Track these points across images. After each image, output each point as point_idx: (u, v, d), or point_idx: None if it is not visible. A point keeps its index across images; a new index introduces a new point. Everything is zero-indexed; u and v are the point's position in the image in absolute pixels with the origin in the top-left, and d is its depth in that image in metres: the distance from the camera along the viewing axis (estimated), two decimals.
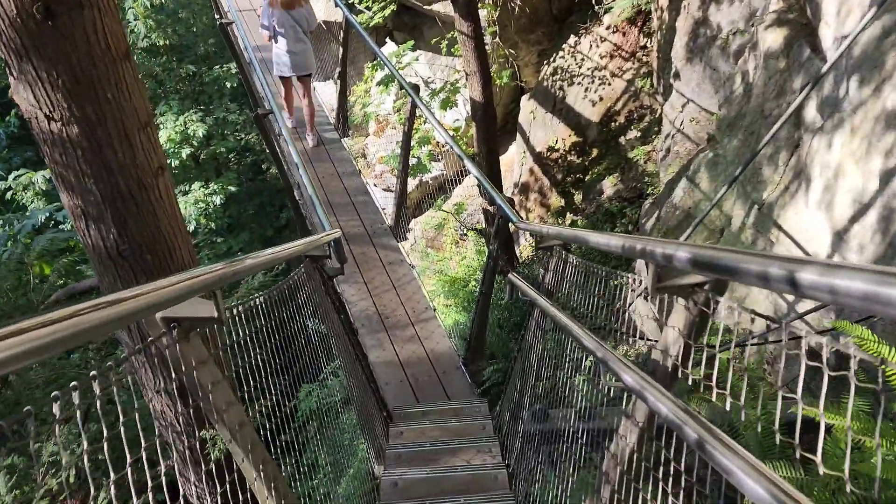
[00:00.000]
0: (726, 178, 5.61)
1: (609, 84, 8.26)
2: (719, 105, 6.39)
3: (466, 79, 6.86)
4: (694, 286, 1.39)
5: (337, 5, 6.73)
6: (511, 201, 3.80)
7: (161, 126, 12.69)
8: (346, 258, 3.31)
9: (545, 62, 9.20)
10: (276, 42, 7.18)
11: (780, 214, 4.54)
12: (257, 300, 1.91)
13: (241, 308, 1.80)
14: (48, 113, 2.18)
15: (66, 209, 2.49)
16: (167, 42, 13.31)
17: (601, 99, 8.29)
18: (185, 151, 12.63)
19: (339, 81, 7.02)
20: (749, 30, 6.05)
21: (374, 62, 8.94)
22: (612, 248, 1.88)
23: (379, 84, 8.36)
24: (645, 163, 7.91)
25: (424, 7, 9.70)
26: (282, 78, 7.50)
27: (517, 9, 8.02)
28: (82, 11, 2.10)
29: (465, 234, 10.04)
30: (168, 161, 12.70)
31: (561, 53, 8.87)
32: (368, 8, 8.96)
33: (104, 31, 2.18)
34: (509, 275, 3.41)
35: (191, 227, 12.86)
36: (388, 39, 11.69)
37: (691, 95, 6.93)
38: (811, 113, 4.32)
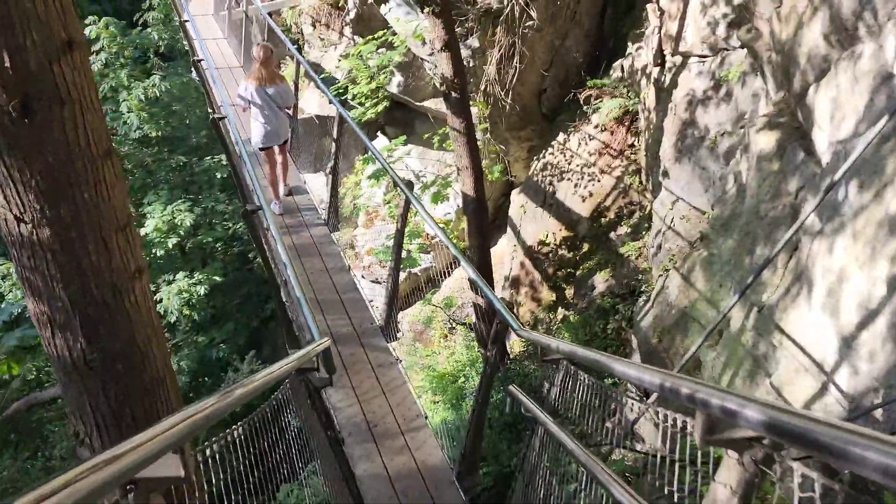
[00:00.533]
0: (722, 278, 5.53)
1: (598, 180, 8.32)
2: (711, 204, 6.39)
3: (458, 173, 6.87)
4: (751, 440, 1.19)
5: (331, 102, 6.80)
6: (503, 300, 3.65)
7: (148, 216, 12.62)
8: (335, 368, 3.11)
9: (535, 158, 9.30)
10: (253, 116, 7.52)
11: (782, 318, 4.41)
12: (236, 431, 1.71)
13: (215, 447, 1.59)
14: (18, 214, 2.04)
15: (31, 316, 2.31)
16: (160, 133, 13.44)
17: (591, 195, 8.32)
18: (172, 241, 12.51)
19: (330, 175, 7.03)
20: (737, 131, 6.13)
21: (366, 155, 9.00)
22: (645, 383, 1.64)
23: (370, 178, 8.38)
24: (636, 259, 7.86)
25: (417, 104, 9.89)
26: (262, 149, 7.70)
27: (508, 107, 8.16)
28: (62, 108, 1.99)
29: (455, 328, 9.85)
30: (154, 251, 12.56)
31: (550, 150, 8.98)
32: (361, 104, 9.11)
33: (85, 129, 2.07)
34: (510, 387, 3.20)
35: (172, 319, 12.58)
36: (380, 134, 11.87)
37: (681, 193, 6.96)
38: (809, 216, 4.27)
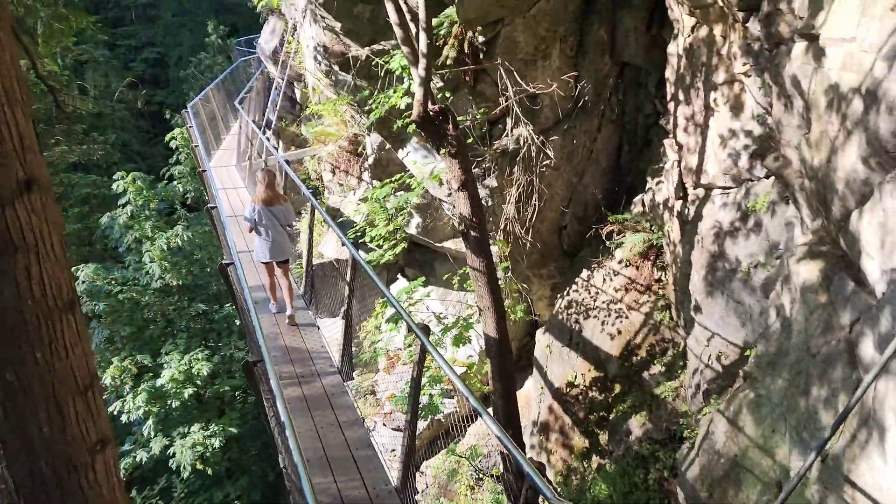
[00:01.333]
0: (774, 422, 4.99)
1: (626, 317, 7.94)
2: (752, 340, 5.96)
3: (480, 314, 6.57)
4: None
5: (343, 244, 6.67)
6: (531, 461, 3.19)
7: (165, 365, 12.37)
8: None
9: (559, 296, 9.01)
10: (259, 233, 8.22)
11: (852, 469, 3.86)
12: None
13: None
14: None
15: None
16: (181, 282, 13.50)
17: (619, 332, 7.92)
18: (188, 391, 12.14)
19: (344, 320, 6.78)
20: (773, 262, 5.82)
21: (384, 299, 8.79)
22: None
23: (389, 321, 8.10)
24: (674, 400, 7.30)
25: (436, 244, 9.81)
26: (264, 264, 8.44)
27: (528, 244, 7.99)
28: (14, 256, 1.75)
29: (481, 479, 9.12)
30: (169, 402, 12.15)
31: (574, 287, 8.70)
32: (379, 246, 9.03)
33: (41, 278, 1.82)
34: None
35: (185, 474, 11.95)
36: (399, 276, 11.73)
37: (716, 329, 6.55)
38: (868, 351, 3.84)
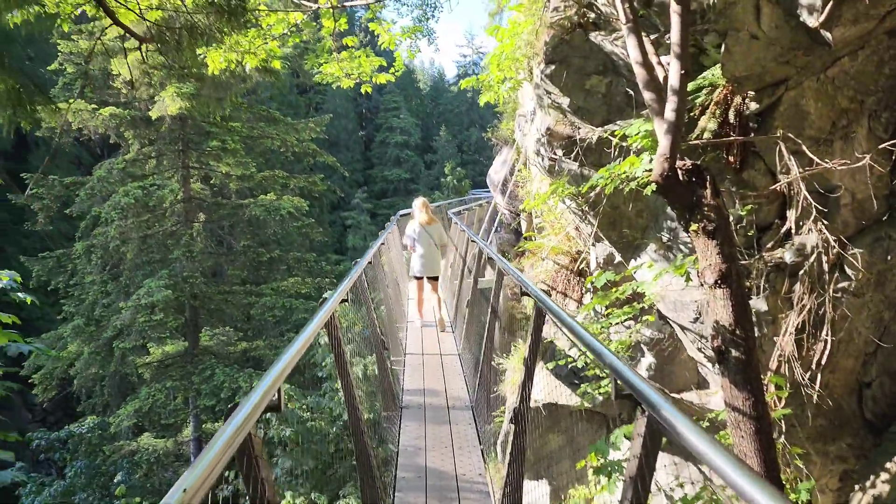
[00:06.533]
0: None
1: None
2: None
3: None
4: None
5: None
6: None
7: None
8: None
9: (852, 491, 6.15)
10: (415, 250, 9.96)
11: None
12: None
13: None
14: None
15: None
16: (371, 416, 12.29)
17: None
18: None
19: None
20: None
21: (594, 450, 6.67)
22: None
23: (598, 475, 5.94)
24: None
25: (671, 394, 7.53)
26: (416, 278, 10.10)
27: (813, 399, 5.50)
28: None
29: None
30: None
31: (880, 479, 5.83)
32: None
33: None
34: None
35: None
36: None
37: None
38: None
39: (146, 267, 21.02)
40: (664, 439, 2.25)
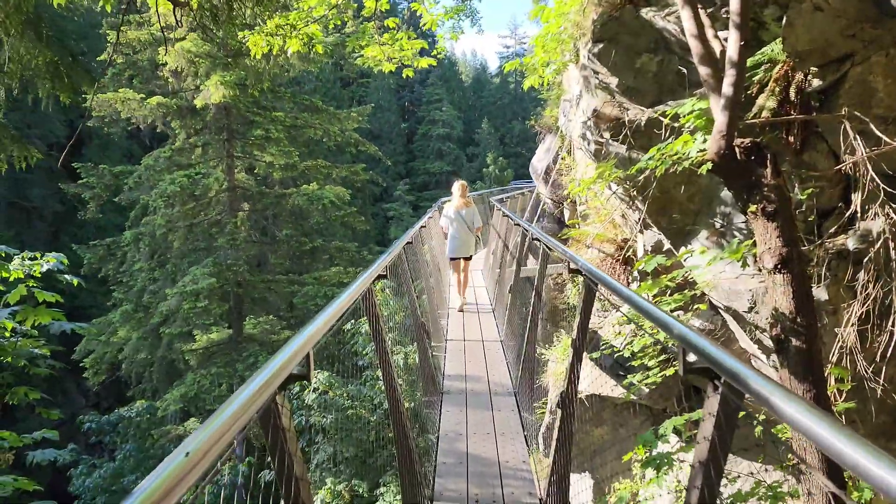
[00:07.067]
0: None
1: None
2: None
3: (799, 480, 4.00)
4: None
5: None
6: None
7: (381, 499, 10.93)
8: None
9: None
10: (450, 234, 10.60)
11: None
12: None
13: None
14: None
15: None
16: (412, 405, 12.24)
17: None
18: None
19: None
20: None
21: (641, 441, 6.44)
22: None
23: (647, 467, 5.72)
24: None
25: None
26: (452, 259, 10.78)
27: (878, 395, 5.19)
28: None
29: None
30: None
31: None
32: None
33: None
34: None
35: None
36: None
37: None
38: None
39: (192, 255, 21.41)
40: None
